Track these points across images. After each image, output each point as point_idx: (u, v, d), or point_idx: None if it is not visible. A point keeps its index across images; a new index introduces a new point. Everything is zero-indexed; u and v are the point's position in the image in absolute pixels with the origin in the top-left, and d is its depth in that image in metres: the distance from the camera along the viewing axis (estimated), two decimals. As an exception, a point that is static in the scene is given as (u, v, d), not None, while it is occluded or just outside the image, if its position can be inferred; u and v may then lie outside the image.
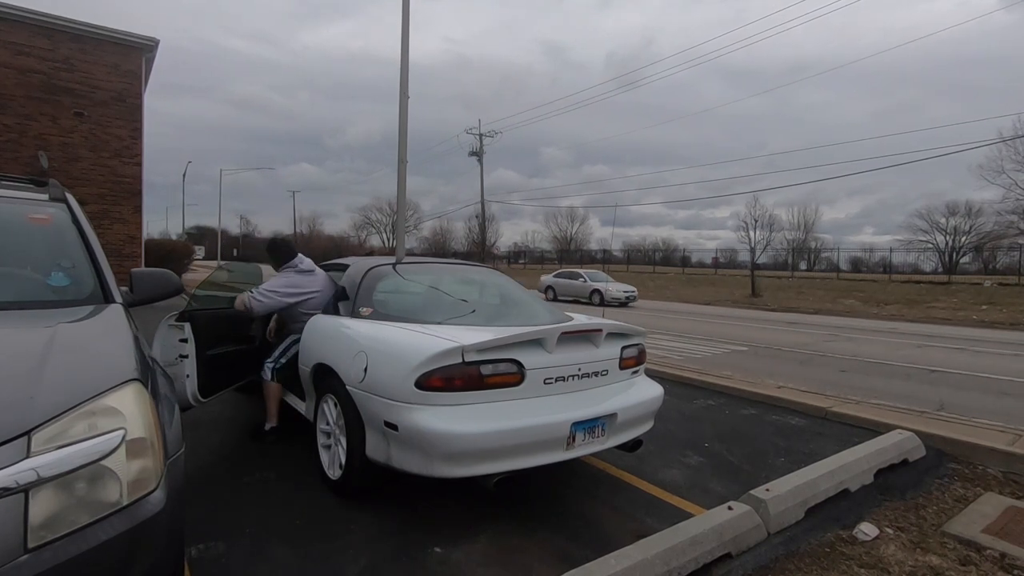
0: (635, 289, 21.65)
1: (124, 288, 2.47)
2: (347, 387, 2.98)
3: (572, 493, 3.27)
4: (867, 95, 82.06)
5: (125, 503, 1.40)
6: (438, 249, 64.02)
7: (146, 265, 15.75)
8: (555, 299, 21.17)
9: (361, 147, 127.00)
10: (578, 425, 2.79)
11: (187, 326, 3.43)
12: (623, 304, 20.13)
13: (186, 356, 3.43)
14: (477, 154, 42.22)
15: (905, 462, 3.82)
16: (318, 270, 4.15)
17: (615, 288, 20.63)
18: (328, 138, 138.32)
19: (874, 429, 4.50)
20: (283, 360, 3.88)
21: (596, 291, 20.41)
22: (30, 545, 1.26)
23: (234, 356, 3.90)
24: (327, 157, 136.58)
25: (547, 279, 23.22)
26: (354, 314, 3.44)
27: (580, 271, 22.83)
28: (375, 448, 2.82)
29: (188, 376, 3.41)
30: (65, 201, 2.73)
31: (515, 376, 2.74)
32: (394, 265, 3.93)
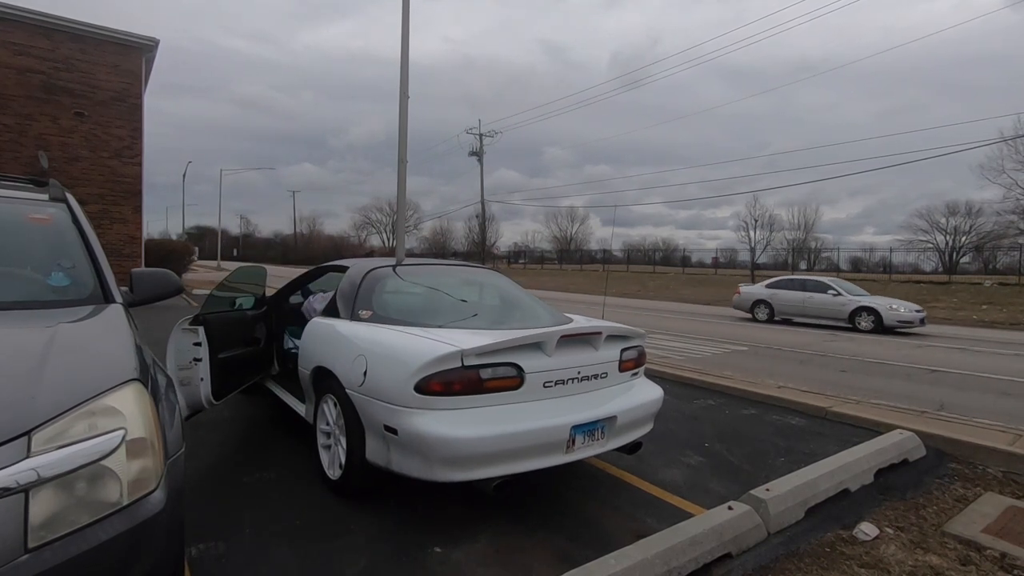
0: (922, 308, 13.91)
1: (124, 288, 2.47)
2: (346, 390, 2.98)
3: (572, 493, 3.27)
4: (868, 95, 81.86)
5: (125, 503, 1.40)
6: (438, 249, 64.04)
7: (146, 265, 15.75)
8: (770, 319, 15.11)
9: (363, 147, 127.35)
10: (578, 428, 2.79)
11: (201, 330, 3.44)
12: (892, 330, 13.02)
13: (200, 359, 3.44)
14: (477, 154, 42.27)
15: (905, 462, 3.82)
16: None
17: (902, 308, 13.19)
18: (330, 138, 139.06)
19: (874, 429, 4.50)
20: None
21: (865, 310, 13.32)
22: (30, 545, 1.26)
23: (243, 358, 3.92)
24: (329, 157, 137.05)
25: (755, 290, 15.93)
26: (353, 317, 3.44)
27: (824, 279, 15.20)
28: (375, 452, 2.82)
29: (202, 379, 3.42)
30: (65, 201, 2.73)
31: (515, 380, 2.73)
32: (394, 267, 3.92)
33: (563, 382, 2.91)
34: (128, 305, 2.36)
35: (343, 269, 3.97)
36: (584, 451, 2.89)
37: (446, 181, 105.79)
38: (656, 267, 47.82)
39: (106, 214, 14.99)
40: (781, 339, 11.31)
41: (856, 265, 43.65)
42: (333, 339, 3.36)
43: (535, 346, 2.85)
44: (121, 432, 1.44)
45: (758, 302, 15.57)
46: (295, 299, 5.12)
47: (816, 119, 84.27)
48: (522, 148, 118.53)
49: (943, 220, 45.50)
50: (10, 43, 13.83)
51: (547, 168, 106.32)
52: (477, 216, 48.51)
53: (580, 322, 3.53)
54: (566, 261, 58.16)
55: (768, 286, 15.66)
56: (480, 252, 49.54)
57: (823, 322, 14.24)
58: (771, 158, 72.39)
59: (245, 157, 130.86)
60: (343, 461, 3.02)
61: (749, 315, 15.82)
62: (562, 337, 2.90)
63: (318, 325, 3.62)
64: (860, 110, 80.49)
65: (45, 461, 1.31)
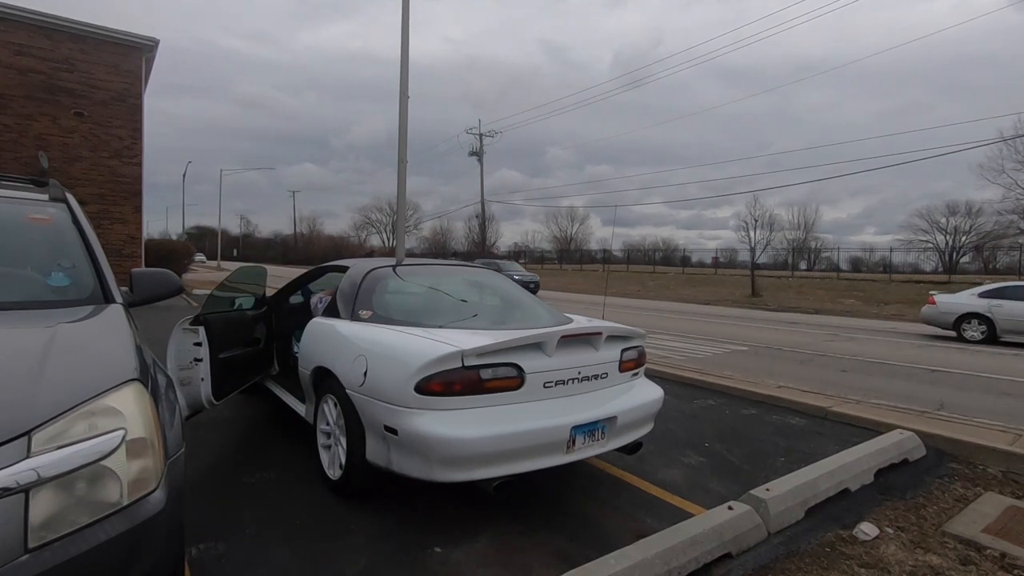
0: None
1: (124, 288, 2.47)
2: (347, 391, 2.98)
3: (572, 493, 3.27)
4: (870, 95, 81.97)
5: (125, 503, 1.40)
6: (438, 249, 64.04)
7: (146, 265, 15.75)
8: (989, 337, 11.10)
9: (365, 147, 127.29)
10: (578, 429, 2.79)
11: (201, 330, 3.44)
12: None
13: (200, 359, 3.44)
14: (477, 154, 42.28)
15: (905, 462, 3.82)
16: None
17: None
18: (332, 138, 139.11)
19: (874, 429, 4.50)
20: None
21: None
22: (30, 545, 1.26)
23: (243, 358, 3.92)
24: (330, 157, 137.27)
25: (961, 300, 11.82)
26: (353, 317, 3.44)
27: None
28: (375, 452, 2.82)
29: (203, 379, 3.42)
30: (65, 201, 2.73)
31: (515, 380, 2.73)
32: (394, 267, 3.92)
33: (563, 382, 2.91)
34: (128, 305, 2.36)
35: (343, 269, 3.97)
36: (584, 451, 2.89)
37: (447, 181, 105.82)
38: (656, 267, 47.84)
39: (106, 214, 14.99)
40: (781, 339, 11.30)
41: (856, 265, 43.71)
42: (333, 339, 3.36)
43: (535, 346, 2.85)
44: (121, 432, 1.44)
45: (968, 316, 11.45)
46: (295, 299, 5.12)
47: (818, 119, 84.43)
48: (524, 148, 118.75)
49: (943, 220, 45.57)
50: (10, 43, 13.84)
51: (548, 168, 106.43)
52: (477, 216, 48.59)
53: (580, 322, 3.53)
54: (566, 261, 58.19)
55: (984, 295, 11.44)
56: (480, 252, 49.53)
57: None
58: (772, 158, 72.58)
59: (247, 157, 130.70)
60: (343, 461, 3.02)
61: (951, 332, 11.82)
62: (562, 337, 2.90)
63: (318, 325, 3.62)
64: (862, 110, 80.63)
65: (45, 461, 1.31)
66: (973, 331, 11.49)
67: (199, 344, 3.45)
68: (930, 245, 46.44)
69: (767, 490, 2.92)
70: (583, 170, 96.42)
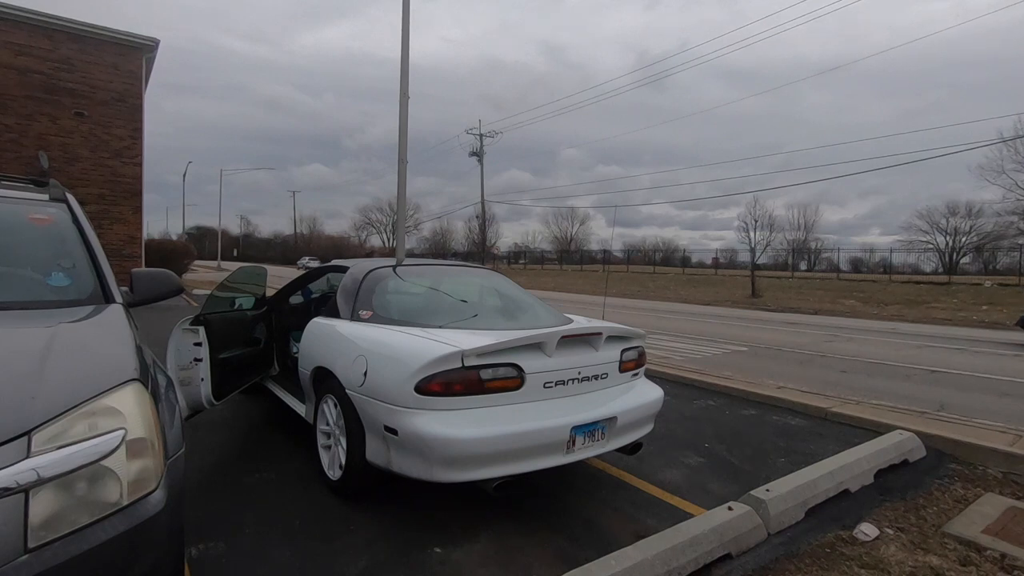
0: None
1: (124, 288, 2.47)
2: (347, 391, 2.98)
3: (572, 493, 3.27)
4: (881, 96, 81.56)
5: (125, 503, 1.41)
6: (438, 249, 64.13)
7: (147, 265, 15.76)
8: None
9: (376, 147, 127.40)
10: (578, 429, 2.79)
11: (201, 330, 3.44)
12: None
13: (200, 359, 3.44)
14: (477, 154, 42.30)
15: (905, 462, 3.82)
16: None
17: None
18: (344, 138, 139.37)
19: (874, 430, 4.50)
20: None
21: None
22: (30, 545, 1.26)
23: (243, 358, 3.92)
24: (341, 157, 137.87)
25: None
26: (354, 317, 3.44)
27: None
28: (375, 452, 2.82)
29: (203, 379, 3.43)
30: (65, 201, 2.73)
31: (515, 380, 2.73)
32: (394, 267, 3.93)
33: (563, 383, 2.91)
34: (128, 305, 2.36)
35: (343, 269, 3.97)
36: (584, 452, 2.89)
37: (454, 181, 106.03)
38: (656, 267, 47.86)
39: (106, 214, 15.01)
40: (781, 339, 11.30)
41: (856, 266, 43.74)
42: (333, 339, 3.36)
43: (535, 346, 2.85)
44: (121, 432, 1.44)
45: None
46: (295, 299, 5.12)
47: (827, 120, 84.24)
48: (533, 148, 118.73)
49: (943, 221, 45.61)
50: (11, 43, 13.85)
51: (557, 168, 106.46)
52: (477, 216, 48.61)
53: (580, 322, 3.53)
54: (566, 262, 58.17)
55: None
56: (480, 252, 49.56)
57: None
58: (780, 159, 72.55)
59: (259, 158, 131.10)
60: (343, 461, 3.02)
61: None
62: (562, 338, 2.90)
63: (318, 326, 3.62)
64: (872, 110, 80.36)
65: (45, 461, 1.31)
66: None
67: (199, 344, 3.45)
68: (930, 246, 46.52)
69: (767, 491, 2.92)
70: (593, 170, 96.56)
